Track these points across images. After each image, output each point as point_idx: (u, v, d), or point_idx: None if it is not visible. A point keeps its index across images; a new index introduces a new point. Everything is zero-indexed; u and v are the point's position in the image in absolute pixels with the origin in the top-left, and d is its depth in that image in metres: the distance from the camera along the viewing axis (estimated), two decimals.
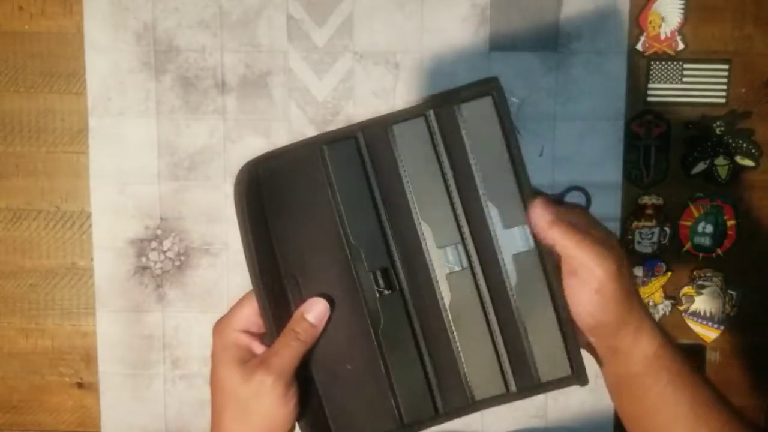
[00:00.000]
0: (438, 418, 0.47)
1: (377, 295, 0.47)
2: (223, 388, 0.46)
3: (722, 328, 0.76)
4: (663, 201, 0.74)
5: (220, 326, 0.49)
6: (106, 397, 0.77)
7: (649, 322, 0.47)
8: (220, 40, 0.73)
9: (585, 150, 0.74)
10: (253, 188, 0.47)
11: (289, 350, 0.45)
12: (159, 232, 0.75)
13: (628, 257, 0.47)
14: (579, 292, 0.45)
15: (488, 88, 0.46)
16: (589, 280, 0.45)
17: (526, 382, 0.47)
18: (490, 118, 0.46)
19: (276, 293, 0.47)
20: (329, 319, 0.47)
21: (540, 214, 0.45)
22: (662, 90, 0.74)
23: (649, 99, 0.74)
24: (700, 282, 0.75)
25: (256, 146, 0.74)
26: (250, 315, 0.48)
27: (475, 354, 0.47)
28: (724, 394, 0.47)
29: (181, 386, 0.77)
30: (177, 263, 0.75)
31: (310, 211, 0.47)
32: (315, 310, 0.46)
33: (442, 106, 0.46)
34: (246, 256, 0.46)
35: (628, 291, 0.45)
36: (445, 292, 0.47)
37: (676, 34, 0.73)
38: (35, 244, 0.76)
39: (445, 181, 0.47)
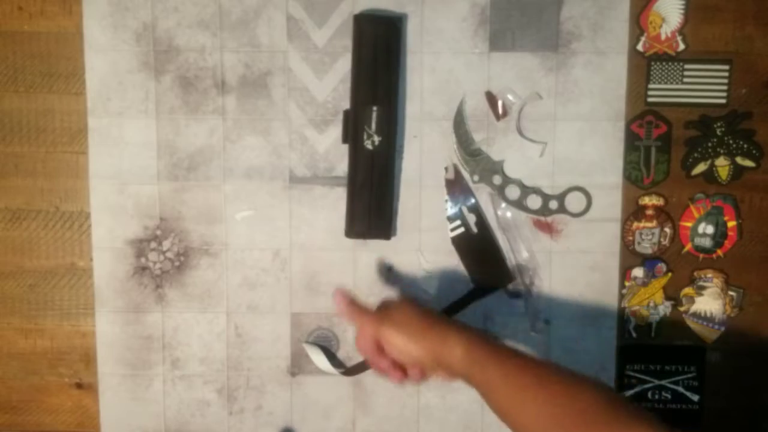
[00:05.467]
0: None
1: None
2: None
3: (723, 329, 0.75)
4: (663, 202, 0.74)
5: None
6: (105, 397, 0.77)
7: (453, 332, 0.60)
8: (219, 40, 0.73)
9: (585, 150, 0.74)
10: None
11: None
12: (158, 232, 0.75)
13: (409, 307, 0.64)
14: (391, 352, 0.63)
15: None
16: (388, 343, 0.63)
17: None
18: None
19: None
20: None
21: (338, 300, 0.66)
22: (663, 90, 0.73)
23: (650, 99, 0.74)
24: (700, 283, 0.75)
25: (255, 146, 0.74)
26: None
27: None
28: (533, 355, 0.59)
29: (180, 387, 0.77)
30: (176, 263, 0.75)
31: None
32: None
33: None
34: None
35: (420, 327, 0.62)
36: None
37: (677, 34, 0.73)
38: (34, 244, 0.76)
39: None
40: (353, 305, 0.66)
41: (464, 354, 0.59)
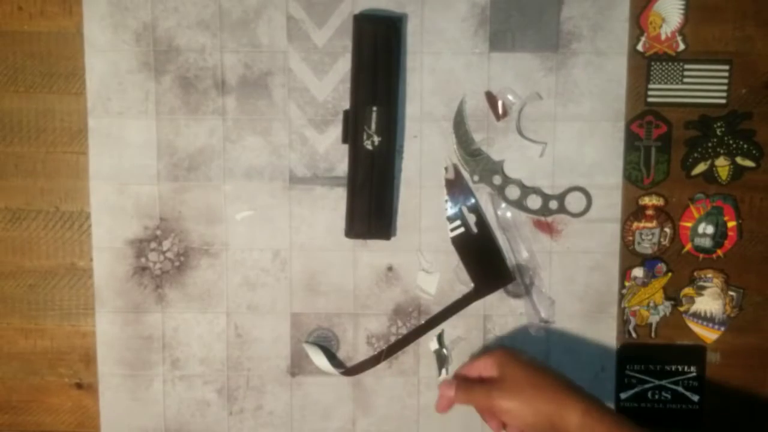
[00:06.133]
0: None
1: None
2: None
3: (723, 329, 0.75)
4: (663, 202, 0.74)
5: None
6: (105, 397, 0.77)
7: (570, 398, 0.60)
8: (219, 40, 0.73)
9: (585, 151, 0.74)
10: None
11: None
12: (158, 232, 0.75)
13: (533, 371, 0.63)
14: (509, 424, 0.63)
15: None
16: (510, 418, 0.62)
17: None
18: None
19: None
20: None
21: (445, 396, 0.65)
22: (663, 90, 0.73)
23: (650, 100, 0.74)
24: (700, 283, 0.75)
25: (255, 146, 0.74)
26: None
27: None
28: None
29: (180, 387, 0.77)
30: (176, 264, 0.75)
31: None
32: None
33: None
34: None
35: (534, 392, 0.61)
36: None
37: (677, 34, 0.73)
38: (34, 244, 0.76)
39: None
40: (460, 390, 0.65)
41: (581, 422, 0.58)
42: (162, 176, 0.74)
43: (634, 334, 0.76)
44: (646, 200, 0.74)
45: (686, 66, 0.73)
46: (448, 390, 0.65)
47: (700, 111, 0.73)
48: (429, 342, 0.76)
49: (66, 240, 0.76)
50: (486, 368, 0.65)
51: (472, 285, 0.75)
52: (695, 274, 0.75)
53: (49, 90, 0.74)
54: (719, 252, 0.75)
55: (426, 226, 0.74)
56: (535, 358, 0.66)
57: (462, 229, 0.74)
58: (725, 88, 0.73)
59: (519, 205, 0.74)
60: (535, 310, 0.75)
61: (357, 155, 0.72)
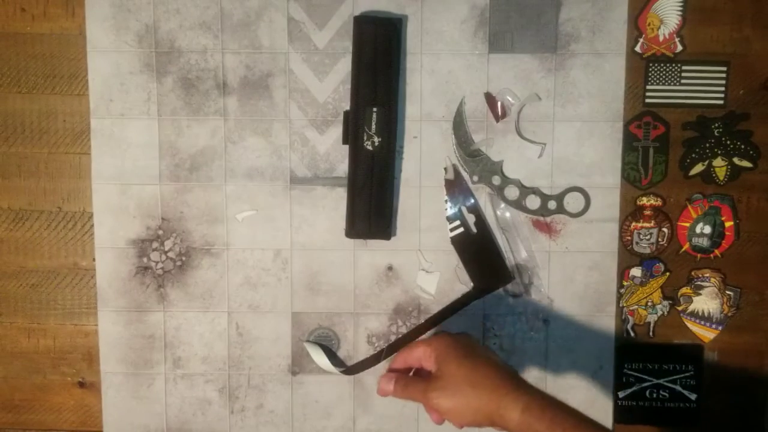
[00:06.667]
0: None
1: None
2: None
3: (720, 328, 0.76)
4: (661, 202, 0.75)
5: None
6: (107, 396, 0.78)
7: (509, 397, 0.58)
8: (221, 41, 0.74)
9: (584, 151, 0.74)
10: None
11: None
12: (160, 232, 0.76)
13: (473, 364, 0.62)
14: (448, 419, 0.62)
15: None
16: (444, 414, 0.62)
17: None
18: None
19: None
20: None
21: (383, 389, 0.66)
22: (661, 91, 0.74)
23: (648, 100, 0.74)
24: (698, 282, 0.76)
25: (257, 147, 0.74)
26: None
27: None
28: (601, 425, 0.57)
29: (182, 386, 0.77)
30: (178, 263, 0.76)
31: None
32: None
33: None
34: None
35: (473, 391, 0.60)
36: None
37: (675, 35, 0.73)
38: (37, 244, 0.76)
39: None
40: (398, 386, 0.65)
41: (520, 419, 0.57)
42: (164, 176, 0.75)
43: (632, 333, 0.76)
44: (644, 200, 0.75)
45: (684, 67, 0.73)
46: (387, 384, 0.66)
47: (697, 112, 0.74)
48: None
49: (68, 240, 0.76)
50: (425, 358, 0.65)
51: (471, 285, 0.75)
52: (693, 273, 0.76)
53: (51, 91, 0.75)
54: (717, 252, 0.75)
55: (426, 226, 0.75)
56: (476, 347, 0.65)
57: (461, 229, 0.75)
58: (723, 89, 0.74)
59: (518, 205, 0.75)
60: (533, 310, 0.76)
61: (357, 156, 0.72)
